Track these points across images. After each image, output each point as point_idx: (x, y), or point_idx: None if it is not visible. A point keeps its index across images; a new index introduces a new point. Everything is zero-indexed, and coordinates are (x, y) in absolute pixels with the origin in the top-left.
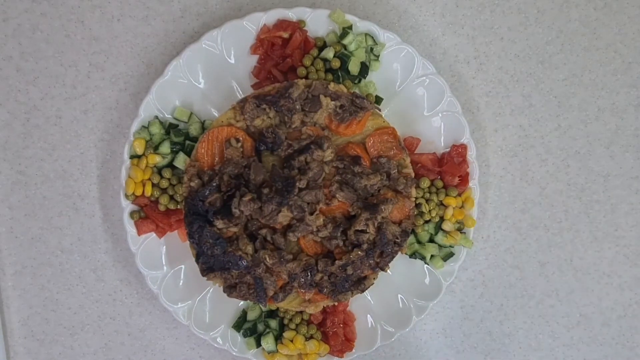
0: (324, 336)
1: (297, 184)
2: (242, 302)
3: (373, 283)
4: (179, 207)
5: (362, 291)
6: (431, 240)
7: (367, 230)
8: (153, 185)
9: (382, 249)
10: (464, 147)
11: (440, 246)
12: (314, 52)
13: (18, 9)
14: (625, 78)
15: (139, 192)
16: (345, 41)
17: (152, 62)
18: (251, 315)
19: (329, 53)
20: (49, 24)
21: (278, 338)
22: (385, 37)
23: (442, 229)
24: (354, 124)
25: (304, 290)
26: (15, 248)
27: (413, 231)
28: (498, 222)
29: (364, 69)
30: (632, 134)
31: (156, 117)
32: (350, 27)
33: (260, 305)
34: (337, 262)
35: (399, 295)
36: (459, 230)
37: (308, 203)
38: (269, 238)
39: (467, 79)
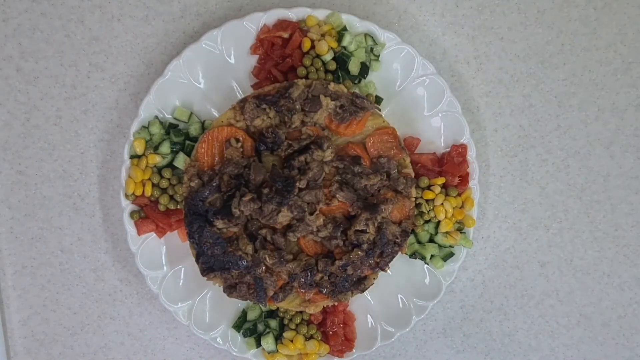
0: (324, 336)
1: (297, 184)
2: (242, 302)
3: (373, 283)
4: (179, 207)
5: (362, 291)
6: (431, 240)
7: (367, 230)
8: (153, 185)
9: (382, 249)
10: (464, 147)
11: (440, 246)
12: (314, 52)
13: (18, 9)
14: (625, 78)
15: (139, 192)
16: (344, 43)
17: (152, 62)
18: (251, 315)
19: (327, 55)
20: (49, 24)
21: (278, 338)
22: (385, 37)
23: (440, 232)
24: (354, 124)
25: (304, 290)
26: (15, 248)
27: (413, 231)
28: (498, 222)
29: (364, 69)
30: (632, 134)
31: (156, 117)
32: (344, 29)
33: (260, 305)
34: (337, 262)
35: (399, 295)
36: (459, 230)
37: (308, 203)
38: (269, 238)
39: (467, 79)
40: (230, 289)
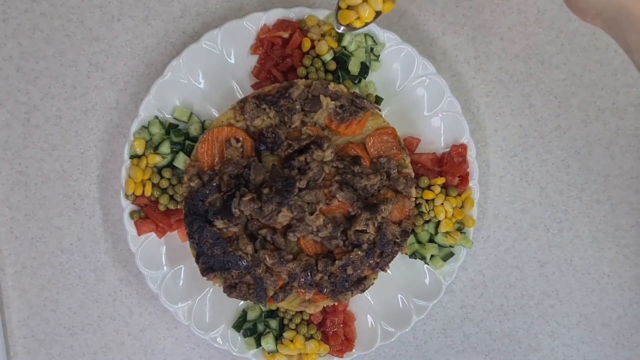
0: (324, 336)
1: (297, 184)
2: (242, 302)
3: (373, 283)
4: (179, 207)
5: (362, 291)
6: (431, 240)
7: (367, 230)
8: (153, 185)
9: (382, 249)
10: (464, 147)
11: (440, 246)
12: (314, 52)
13: (18, 9)
14: (625, 78)
15: (139, 192)
16: (344, 43)
17: (152, 62)
18: (251, 315)
19: (327, 55)
20: (49, 24)
21: (278, 338)
22: (385, 37)
23: (440, 232)
24: (354, 124)
25: (304, 290)
26: (15, 248)
27: (413, 231)
28: (498, 222)
29: (364, 69)
30: (632, 134)
31: (156, 117)
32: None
33: (260, 305)
34: (337, 262)
35: (399, 295)
36: (459, 230)
37: (308, 203)
38: (269, 238)
39: (467, 79)
40: (230, 289)
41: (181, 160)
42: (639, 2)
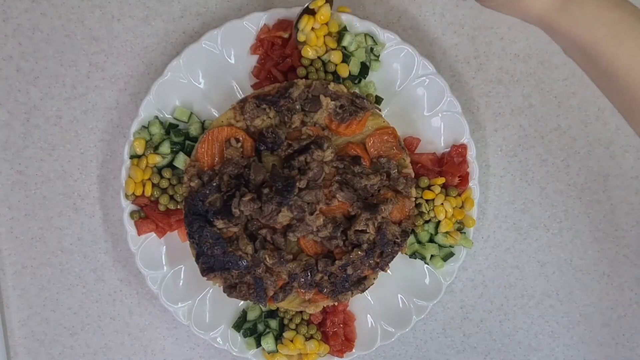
0: (324, 336)
1: (297, 184)
2: (242, 302)
3: (373, 283)
4: (179, 207)
5: (362, 291)
6: (431, 240)
7: (367, 230)
8: (153, 185)
9: (382, 249)
10: (464, 147)
11: (440, 246)
12: None
13: (18, 9)
14: None
15: (139, 192)
16: (344, 43)
17: (152, 62)
18: (251, 315)
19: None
20: (49, 24)
21: (278, 338)
22: (385, 37)
23: (440, 232)
24: (354, 124)
25: (304, 290)
26: (15, 248)
27: (413, 231)
28: (498, 222)
29: (364, 69)
30: (632, 134)
31: (156, 117)
32: (344, 29)
33: (260, 305)
34: (337, 262)
35: (399, 295)
36: (459, 230)
37: (308, 203)
38: (269, 238)
39: (467, 79)
40: (230, 289)
41: (181, 160)
42: (552, 14)
